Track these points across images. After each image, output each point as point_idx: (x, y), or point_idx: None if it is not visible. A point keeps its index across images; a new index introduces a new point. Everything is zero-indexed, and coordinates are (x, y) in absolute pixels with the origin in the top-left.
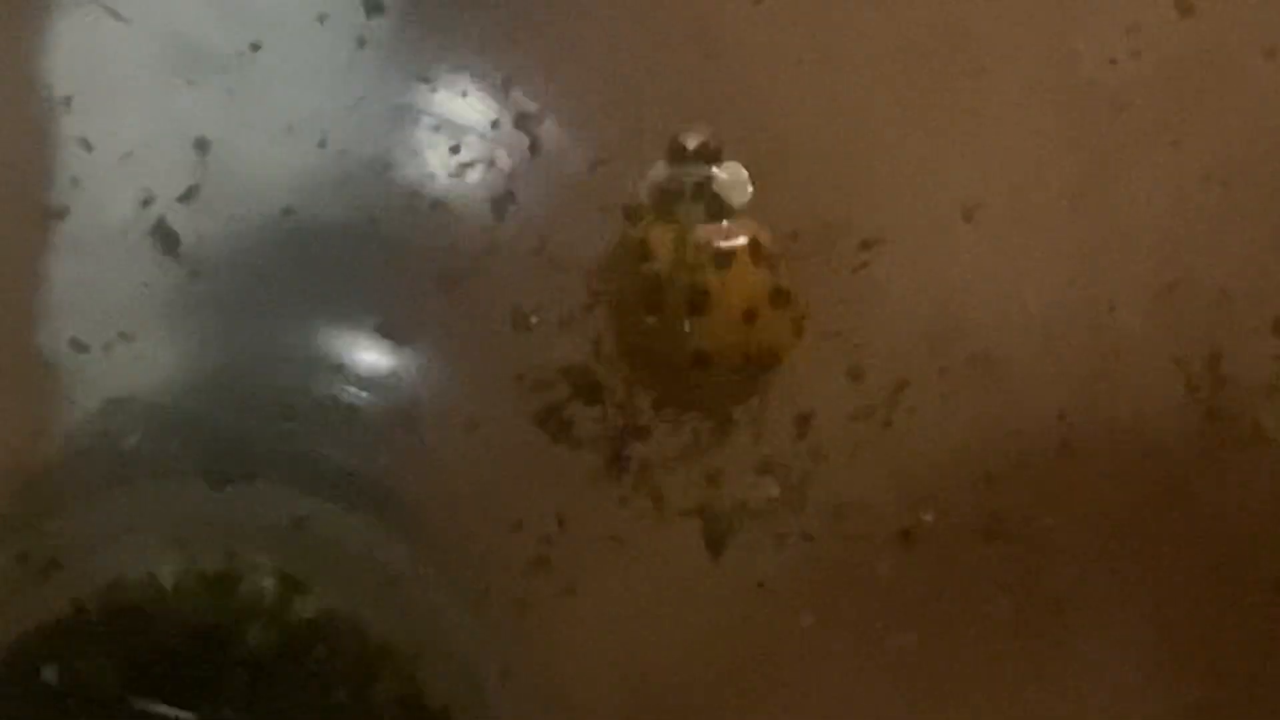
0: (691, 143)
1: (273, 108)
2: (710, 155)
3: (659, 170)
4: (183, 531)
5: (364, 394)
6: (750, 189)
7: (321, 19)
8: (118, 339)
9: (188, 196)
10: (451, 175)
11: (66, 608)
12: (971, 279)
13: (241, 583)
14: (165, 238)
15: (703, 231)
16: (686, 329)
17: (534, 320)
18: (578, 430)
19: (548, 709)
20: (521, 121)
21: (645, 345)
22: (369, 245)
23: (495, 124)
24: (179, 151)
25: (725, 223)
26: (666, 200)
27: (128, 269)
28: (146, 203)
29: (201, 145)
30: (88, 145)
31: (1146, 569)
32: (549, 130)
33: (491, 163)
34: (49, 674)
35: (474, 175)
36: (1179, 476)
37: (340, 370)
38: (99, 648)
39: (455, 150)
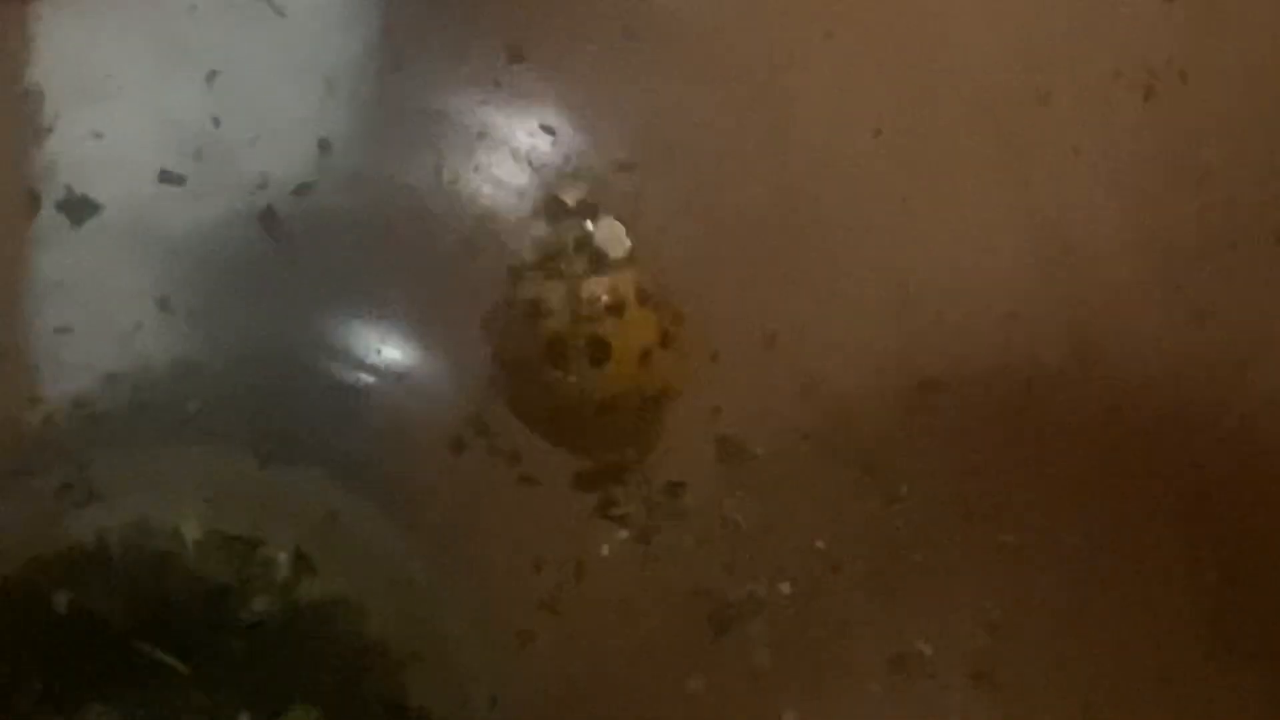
0: (570, 199)
1: (400, 124)
2: (588, 210)
3: (539, 228)
4: (216, 494)
5: (423, 409)
6: (627, 241)
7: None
8: (201, 307)
9: (301, 190)
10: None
11: (90, 538)
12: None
13: (259, 550)
14: (271, 223)
15: (591, 284)
16: (591, 380)
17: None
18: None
19: None
20: None
21: (548, 400)
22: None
23: None
24: (302, 147)
25: (610, 274)
26: (550, 257)
27: (227, 244)
28: (261, 187)
29: (324, 145)
30: (217, 122)
31: None
32: None
33: None
34: (60, 601)
35: None
36: None
37: (402, 382)
38: (112, 585)
39: None
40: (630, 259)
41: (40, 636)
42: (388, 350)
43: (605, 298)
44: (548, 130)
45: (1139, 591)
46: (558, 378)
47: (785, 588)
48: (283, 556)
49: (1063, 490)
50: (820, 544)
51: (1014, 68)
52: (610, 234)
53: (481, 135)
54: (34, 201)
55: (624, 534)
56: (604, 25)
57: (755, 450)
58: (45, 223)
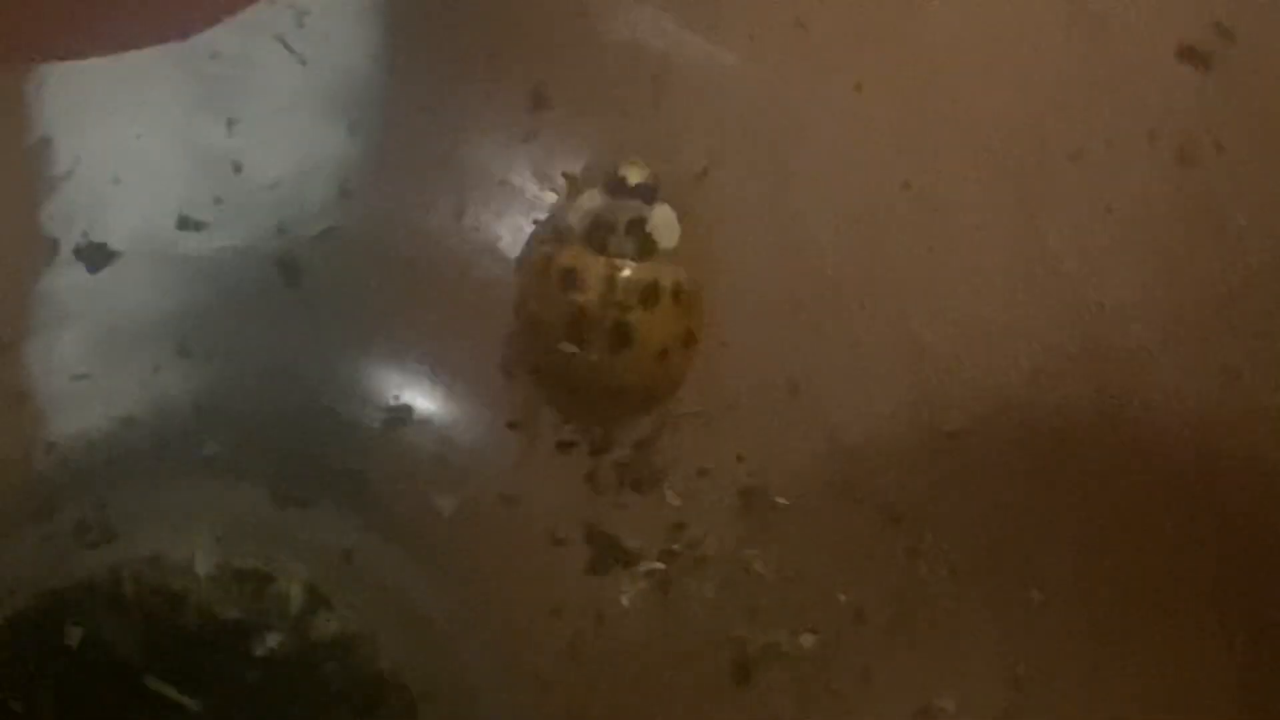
0: (633, 178)
1: (421, 170)
2: (648, 193)
3: (594, 199)
4: (230, 531)
5: (444, 453)
6: (678, 231)
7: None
8: (220, 351)
9: (322, 235)
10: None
11: (103, 573)
12: None
13: (272, 585)
14: (289, 269)
15: (632, 270)
16: (607, 363)
17: None
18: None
19: None
20: None
21: (561, 371)
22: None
23: None
24: (323, 192)
25: (652, 262)
26: (599, 231)
27: (246, 288)
28: (281, 231)
29: (345, 190)
30: (238, 168)
31: None
32: None
33: None
34: (72, 635)
35: None
36: None
37: (422, 425)
38: (125, 619)
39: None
40: (676, 252)
41: (53, 671)
42: (407, 393)
43: (649, 284)
44: (570, 178)
45: (1167, 652)
46: (573, 352)
47: (807, 638)
48: (296, 591)
49: (1089, 546)
50: (843, 595)
51: (1046, 125)
52: (665, 220)
53: (503, 182)
54: (53, 247)
55: (644, 583)
56: (632, 74)
57: (777, 499)
58: (63, 268)
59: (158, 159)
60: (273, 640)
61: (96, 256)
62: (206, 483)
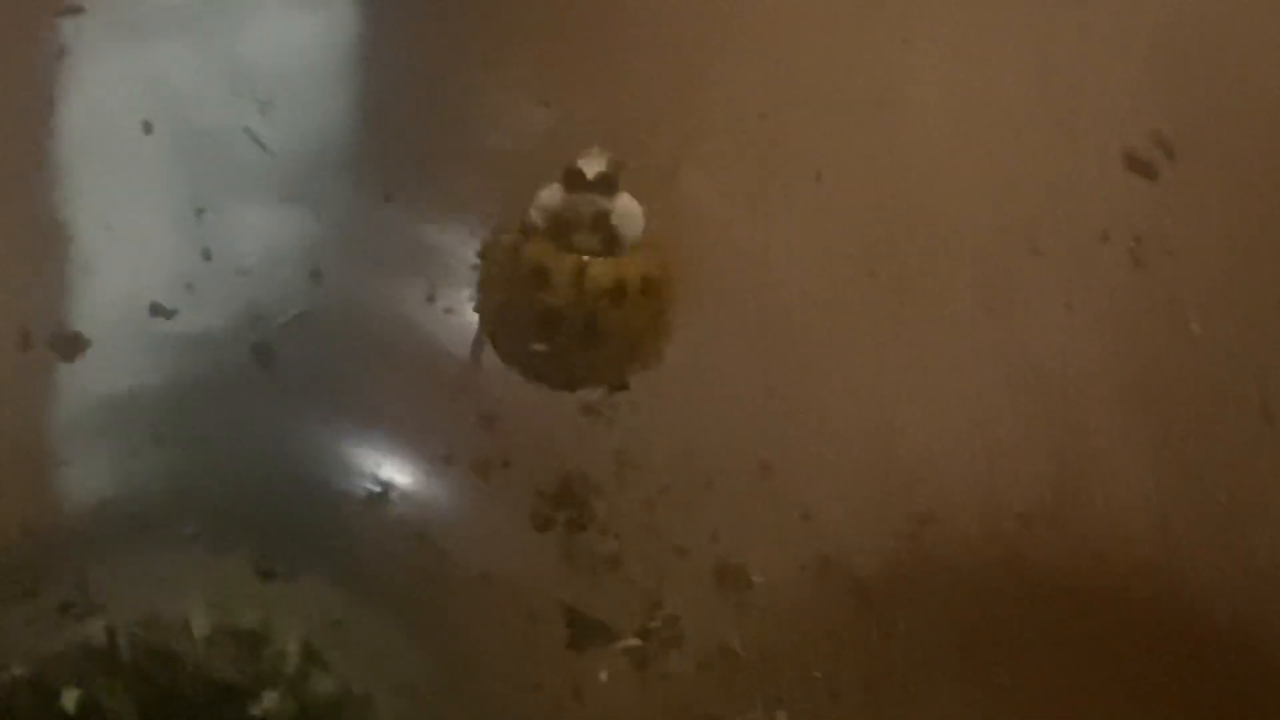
0: (591, 171)
1: (391, 255)
2: (608, 185)
3: (554, 195)
4: (221, 599)
5: (426, 525)
6: (643, 222)
7: (452, 192)
8: (196, 436)
9: (294, 320)
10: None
11: (99, 636)
12: None
13: (269, 645)
14: (263, 353)
15: (599, 267)
16: (579, 360)
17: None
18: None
19: None
20: None
21: (529, 366)
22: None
23: None
24: (293, 277)
25: (617, 256)
26: (562, 227)
27: (220, 374)
28: (254, 317)
29: (316, 275)
30: (208, 255)
31: None
32: None
33: None
34: (69, 700)
35: None
36: None
37: (403, 498)
38: (122, 682)
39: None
40: (641, 241)
41: None
42: (385, 471)
43: (616, 280)
44: None
45: None
46: (541, 350)
47: (782, 716)
48: (293, 650)
49: (1052, 633)
50: (818, 673)
51: (1007, 217)
52: (629, 211)
53: (475, 266)
54: (25, 339)
55: (622, 660)
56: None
57: (753, 578)
58: (36, 359)
59: (128, 248)
60: (269, 700)
61: (69, 345)
62: (189, 559)
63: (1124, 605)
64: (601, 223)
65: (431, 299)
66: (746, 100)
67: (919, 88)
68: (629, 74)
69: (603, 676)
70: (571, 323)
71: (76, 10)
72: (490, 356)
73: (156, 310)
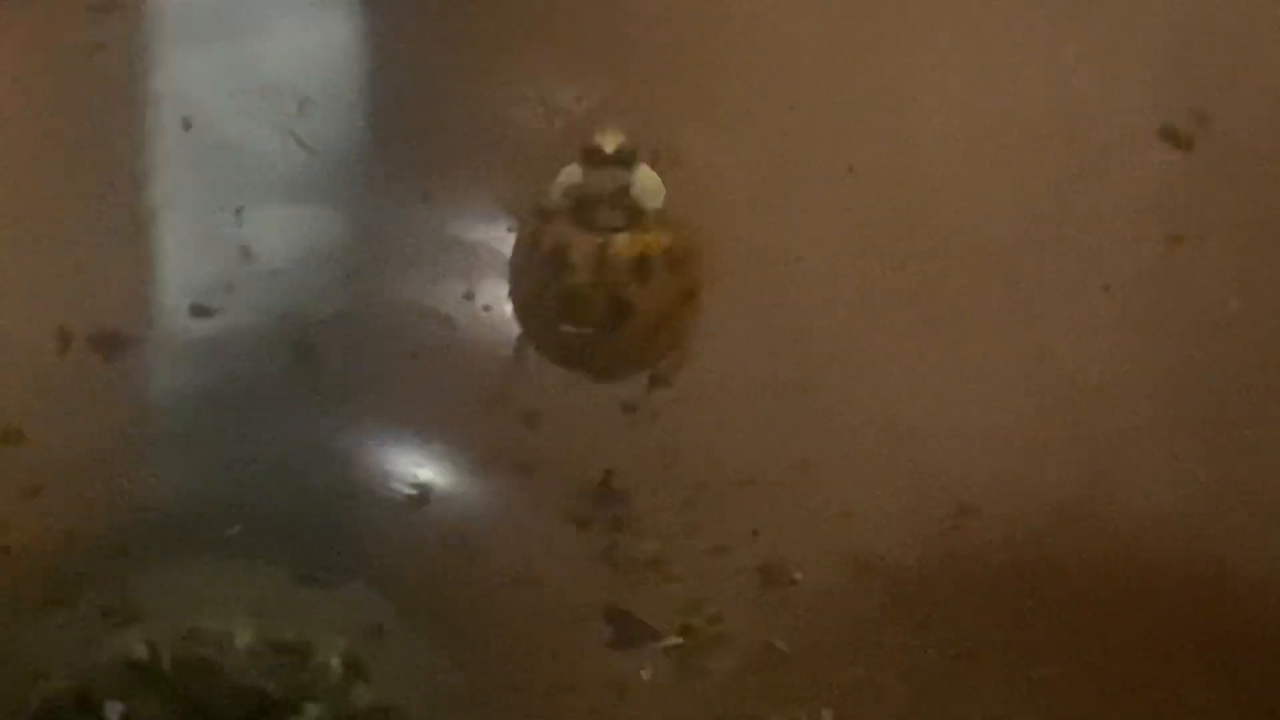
0: (610, 144)
1: (429, 254)
2: (626, 159)
3: (573, 174)
4: (262, 607)
5: (467, 530)
6: (664, 193)
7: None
8: (236, 438)
9: (333, 319)
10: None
11: (141, 649)
12: None
13: (311, 657)
14: (303, 352)
15: (623, 240)
16: (607, 340)
17: None
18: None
19: None
20: None
21: (563, 353)
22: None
23: None
24: (332, 277)
25: (641, 230)
26: (584, 205)
27: (261, 374)
28: (293, 316)
29: (354, 275)
30: (248, 254)
31: None
32: None
33: None
34: (112, 712)
35: None
36: None
37: (443, 502)
38: (165, 694)
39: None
40: (664, 212)
41: None
42: (425, 473)
43: (640, 256)
44: None
45: None
46: (570, 331)
47: (828, 715)
48: (335, 662)
49: (1095, 630)
50: (861, 670)
51: (1038, 206)
52: (648, 183)
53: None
54: (65, 338)
55: (665, 659)
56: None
57: (795, 575)
58: (76, 359)
59: (169, 248)
60: (313, 712)
61: (110, 346)
62: (228, 565)
63: (1167, 600)
64: (622, 197)
65: (470, 296)
66: (776, 94)
67: (943, 78)
68: (664, 74)
69: (645, 675)
70: (596, 302)
71: (110, 6)
72: (530, 352)
73: (198, 310)
